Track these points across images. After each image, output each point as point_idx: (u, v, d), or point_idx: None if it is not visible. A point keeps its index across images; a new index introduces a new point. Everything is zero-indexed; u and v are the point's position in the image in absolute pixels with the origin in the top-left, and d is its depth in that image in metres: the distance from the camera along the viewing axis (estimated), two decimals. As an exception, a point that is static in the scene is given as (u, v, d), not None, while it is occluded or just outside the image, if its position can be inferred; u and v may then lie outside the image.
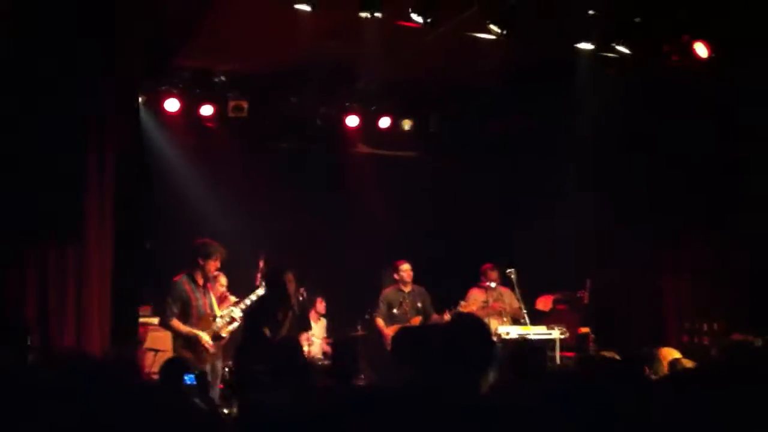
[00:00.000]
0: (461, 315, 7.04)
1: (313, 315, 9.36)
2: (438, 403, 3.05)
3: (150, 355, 7.86)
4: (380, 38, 7.78)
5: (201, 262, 7.15)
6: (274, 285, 7.18)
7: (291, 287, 7.20)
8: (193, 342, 7.02)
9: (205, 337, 7.03)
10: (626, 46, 7.69)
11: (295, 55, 8.46)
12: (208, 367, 6.89)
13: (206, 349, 7.00)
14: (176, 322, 7.06)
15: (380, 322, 8.88)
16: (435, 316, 8.77)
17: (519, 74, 8.71)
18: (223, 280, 7.84)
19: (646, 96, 8.34)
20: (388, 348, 8.61)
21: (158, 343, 7.96)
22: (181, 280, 7.17)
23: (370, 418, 2.68)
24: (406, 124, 10.19)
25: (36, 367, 5.71)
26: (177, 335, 7.11)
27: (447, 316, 8.40)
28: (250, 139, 9.72)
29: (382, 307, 8.94)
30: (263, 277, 7.49)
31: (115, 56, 6.97)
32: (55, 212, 6.76)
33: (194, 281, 7.18)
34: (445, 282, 9.31)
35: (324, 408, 3.11)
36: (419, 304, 8.92)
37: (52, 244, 6.77)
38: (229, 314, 7.25)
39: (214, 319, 7.14)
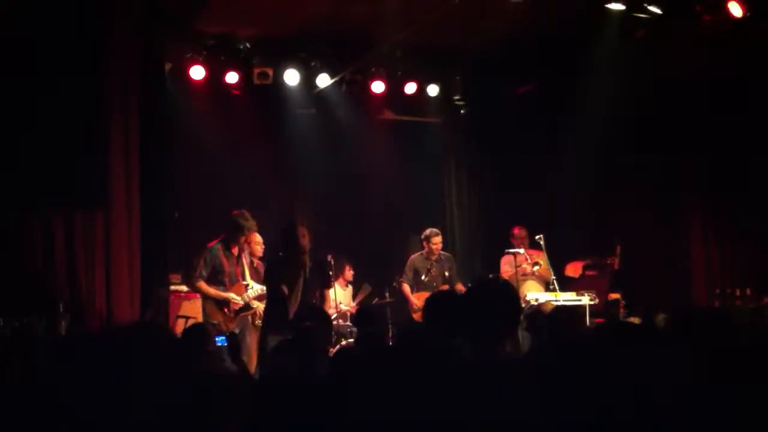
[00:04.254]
0: (491, 279, 7.01)
1: (341, 282, 9.36)
2: (460, 364, 3.04)
3: (181, 322, 7.91)
4: (405, 2, 7.70)
5: (237, 233, 7.19)
6: (288, 239, 6.97)
7: (305, 241, 6.91)
8: (223, 304, 7.09)
9: (236, 298, 7.09)
10: (657, 6, 7.53)
11: (319, 21, 8.38)
12: (237, 330, 6.94)
13: (233, 311, 7.06)
14: (203, 284, 7.15)
15: (406, 288, 8.88)
16: (460, 286, 8.72)
17: (545, 39, 8.57)
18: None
19: (670, 61, 8.21)
20: (414, 315, 8.62)
21: (189, 310, 8.02)
22: (216, 246, 7.25)
23: (378, 377, 2.67)
24: (433, 90, 10.08)
25: (71, 336, 5.81)
26: (206, 299, 7.19)
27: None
28: (275, 105, 9.68)
29: (409, 273, 8.93)
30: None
31: (140, 18, 6.95)
32: (80, 177, 6.80)
33: (228, 249, 7.25)
34: (469, 249, 9.31)
35: (339, 372, 3.10)
36: (446, 272, 8.90)
37: (78, 208, 6.81)
38: (261, 288, 7.28)
39: (246, 288, 7.19)
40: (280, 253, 6.97)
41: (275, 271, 6.98)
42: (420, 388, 2.40)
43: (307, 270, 6.92)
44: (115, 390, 2.06)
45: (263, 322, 6.97)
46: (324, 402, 2.69)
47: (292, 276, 6.84)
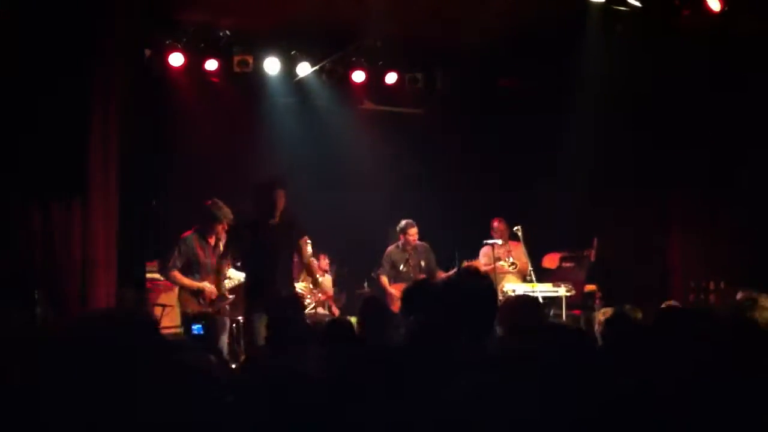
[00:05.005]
0: (468, 270, 7.00)
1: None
2: (441, 358, 3.05)
3: (158, 310, 7.89)
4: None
5: (212, 223, 7.15)
6: (261, 195, 6.72)
7: (281, 203, 6.68)
8: (197, 294, 7.06)
9: (210, 287, 7.05)
10: (638, -1, 7.58)
11: (301, 10, 8.35)
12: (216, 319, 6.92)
13: (211, 300, 7.03)
14: (176, 274, 7.10)
15: (384, 280, 8.90)
16: (440, 274, 8.76)
17: (527, 31, 8.58)
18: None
19: (652, 54, 8.25)
20: (392, 307, 8.62)
21: (166, 299, 8.00)
22: (191, 237, 7.19)
23: (375, 376, 2.67)
24: (414, 81, 10.07)
25: (48, 325, 5.77)
26: (181, 289, 7.17)
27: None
28: (255, 94, 9.64)
29: (386, 265, 8.96)
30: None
31: (118, 6, 6.90)
32: (58, 166, 6.74)
33: (204, 239, 7.20)
34: (451, 240, 9.29)
35: (328, 369, 3.10)
36: (422, 262, 8.93)
37: (55, 197, 6.75)
38: (240, 278, 7.25)
39: (223, 280, 7.15)
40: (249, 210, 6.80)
41: (238, 235, 6.80)
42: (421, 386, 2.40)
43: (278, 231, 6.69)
44: (90, 381, 2.05)
45: (245, 302, 6.87)
46: (316, 399, 2.68)
47: (260, 235, 6.64)
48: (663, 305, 6.15)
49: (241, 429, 2.57)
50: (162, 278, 7.83)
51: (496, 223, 9.10)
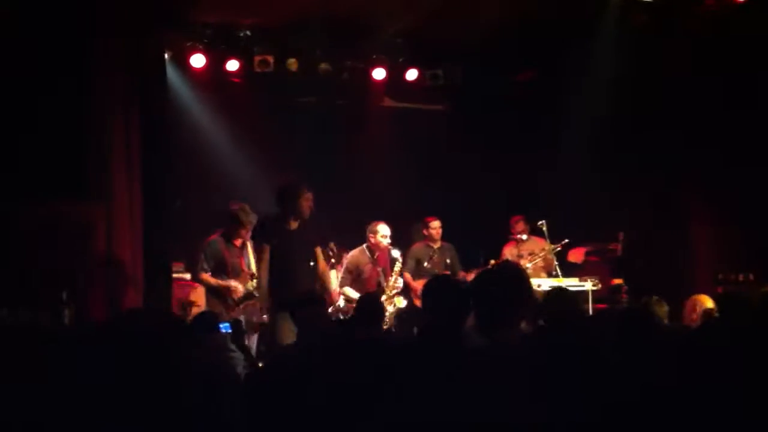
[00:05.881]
0: (505, 263, 7.00)
1: (339, 269, 9.34)
2: (459, 350, 3.03)
3: (188, 308, 7.97)
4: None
5: (237, 226, 7.22)
6: (287, 199, 6.82)
7: (306, 205, 6.81)
8: (224, 293, 7.11)
9: (236, 285, 7.11)
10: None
11: (320, 7, 8.35)
12: (242, 318, 6.94)
13: (236, 300, 7.07)
14: (206, 276, 7.24)
15: (408, 276, 8.85)
16: (462, 274, 8.72)
17: (545, 26, 8.54)
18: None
19: (670, 48, 8.18)
20: (416, 301, 8.61)
21: (192, 297, 8.07)
22: (216, 239, 7.31)
23: (388, 366, 2.66)
24: (434, 77, 10.04)
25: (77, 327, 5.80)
26: (208, 289, 7.29)
27: (473, 276, 8.33)
28: (276, 94, 9.65)
29: (411, 263, 8.91)
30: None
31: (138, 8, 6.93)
32: (82, 170, 6.81)
33: (230, 241, 7.30)
34: (472, 239, 9.27)
35: (338, 360, 3.09)
36: (448, 260, 8.91)
37: (79, 198, 6.82)
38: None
39: (252, 278, 7.19)
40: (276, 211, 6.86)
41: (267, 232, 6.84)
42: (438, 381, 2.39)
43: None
44: (120, 380, 2.06)
45: (269, 302, 6.89)
46: (334, 393, 2.67)
47: (289, 242, 6.71)
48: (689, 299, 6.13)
49: (261, 425, 2.57)
50: (188, 277, 7.93)
51: (515, 220, 9.05)
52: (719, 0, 7.71)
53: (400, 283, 8.28)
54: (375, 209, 9.58)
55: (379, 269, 8.35)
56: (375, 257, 8.41)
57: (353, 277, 8.41)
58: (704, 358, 2.62)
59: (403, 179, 10.17)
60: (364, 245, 8.51)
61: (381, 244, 8.32)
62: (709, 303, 5.90)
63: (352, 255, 8.51)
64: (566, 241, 8.51)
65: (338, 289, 8.42)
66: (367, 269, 8.38)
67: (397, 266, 8.27)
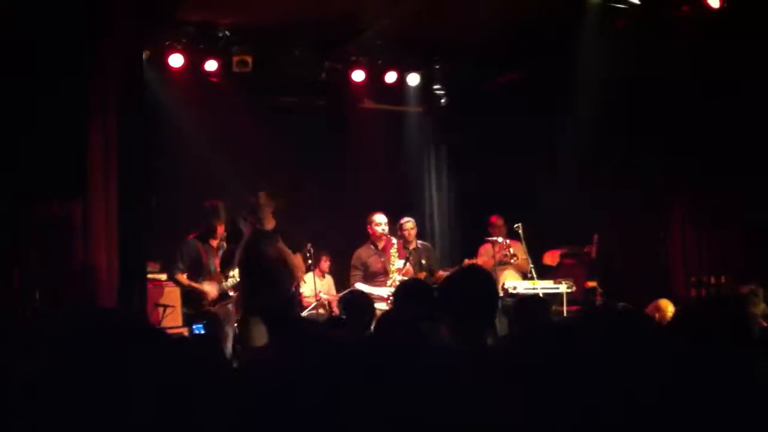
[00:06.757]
0: (470, 267, 7.00)
1: (317, 273, 9.35)
2: (440, 354, 3.04)
3: (159, 310, 7.90)
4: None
5: (213, 224, 7.21)
6: (255, 205, 6.99)
7: (267, 210, 6.92)
8: (197, 296, 7.11)
9: (209, 289, 7.10)
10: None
11: (300, 8, 8.35)
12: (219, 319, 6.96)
13: (210, 303, 7.07)
14: (181, 276, 7.24)
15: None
16: (440, 273, 8.73)
17: (526, 28, 8.58)
18: None
19: (651, 51, 8.24)
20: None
21: (167, 299, 8.01)
22: (193, 240, 7.33)
23: (372, 369, 2.67)
24: (413, 79, 10.07)
25: (43, 320, 5.77)
26: (182, 289, 7.29)
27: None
28: (254, 94, 9.63)
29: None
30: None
31: (117, 8, 6.91)
32: (58, 169, 6.78)
33: (206, 241, 7.31)
34: (452, 239, 9.31)
35: (321, 360, 3.10)
36: (423, 261, 8.90)
37: (55, 197, 6.79)
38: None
39: (227, 278, 7.20)
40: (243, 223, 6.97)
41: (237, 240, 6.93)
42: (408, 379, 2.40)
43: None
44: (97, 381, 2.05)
45: (241, 304, 6.94)
46: (311, 393, 2.67)
47: (260, 246, 6.76)
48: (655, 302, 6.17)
49: (239, 425, 2.57)
50: (164, 278, 7.89)
51: (494, 220, 9.08)
52: (695, 6, 7.76)
53: (400, 264, 8.29)
54: (357, 209, 9.62)
55: (383, 259, 8.37)
56: (380, 249, 8.42)
57: (363, 273, 8.42)
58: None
59: (385, 180, 10.19)
60: (369, 241, 8.54)
61: (376, 233, 8.33)
62: (670, 309, 5.93)
63: (355, 252, 8.55)
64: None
65: (321, 290, 8.44)
66: (373, 262, 8.40)
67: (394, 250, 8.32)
